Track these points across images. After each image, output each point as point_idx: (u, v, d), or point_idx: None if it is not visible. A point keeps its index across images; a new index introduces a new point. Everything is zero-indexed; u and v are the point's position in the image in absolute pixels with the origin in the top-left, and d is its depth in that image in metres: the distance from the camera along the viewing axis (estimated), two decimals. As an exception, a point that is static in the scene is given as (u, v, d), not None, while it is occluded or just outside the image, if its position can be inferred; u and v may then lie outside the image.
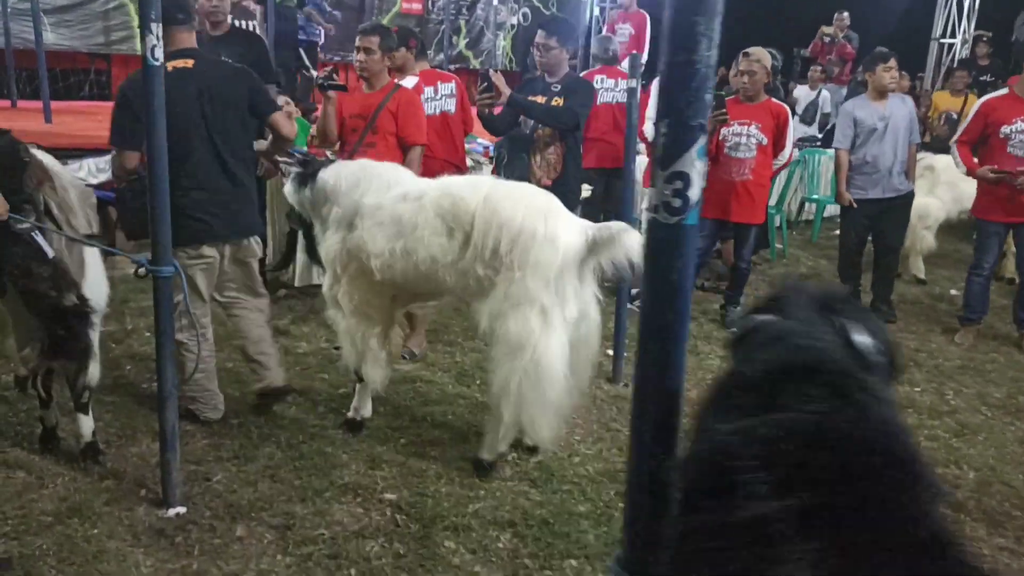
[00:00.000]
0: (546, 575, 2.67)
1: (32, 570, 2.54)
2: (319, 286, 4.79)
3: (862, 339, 0.91)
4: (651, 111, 5.26)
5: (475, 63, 13.28)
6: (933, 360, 4.83)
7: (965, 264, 7.27)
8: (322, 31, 9.57)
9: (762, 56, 5.04)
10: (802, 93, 10.00)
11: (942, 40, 12.22)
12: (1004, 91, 5.09)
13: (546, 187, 4.29)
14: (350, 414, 3.60)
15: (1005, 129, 4.83)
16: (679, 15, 0.88)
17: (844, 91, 10.64)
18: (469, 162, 5.40)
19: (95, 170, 5.33)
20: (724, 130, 5.00)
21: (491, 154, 5.90)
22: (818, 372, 0.80)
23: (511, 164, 4.48)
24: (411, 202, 3.23)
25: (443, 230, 3.13)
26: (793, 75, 11.81)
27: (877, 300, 5.56)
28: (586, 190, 5.33)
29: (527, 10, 13.82)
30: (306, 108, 6.90)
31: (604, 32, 10.15)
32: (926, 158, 6.57)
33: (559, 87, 4.40)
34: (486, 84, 4.18)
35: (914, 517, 0.72)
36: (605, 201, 6.16)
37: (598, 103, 5.48)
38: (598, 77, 5.77)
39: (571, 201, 4.47)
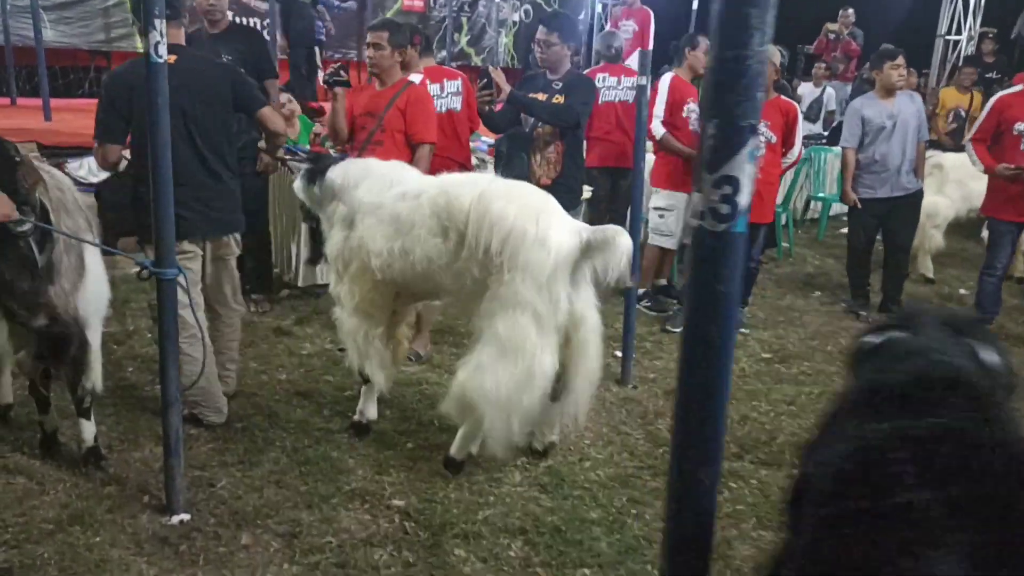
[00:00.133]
0: (559, 584, 2.61)
1: (33, 580, 2.49)
2: (324, 286, 4.75)
3: (990, 358, 1.00)
4: (658, 108, 5.20)
5: (477, 60, 13.21)
6: (945, 361, 4.77)
7: (973, 263, 7.23)
8: (325, 30, 9.52)
9: (770, 53, 4.97)
10: (806, 90, 9.93)
11: (947, 37, 12.14)
12: (1018, 88, 5.03)
13: (545, 186, 4.23)
14: (356, 417, 3.54)
15: (1019, 126, 4.78)
16: (729, 7, 0.82)
17: (849, 88, 10.58)
18: (474, 160, 5.33)
19: (95, 168, 5.25)
20: (733, 128, 4.94)
21: (494, 152, 5.84)
22: (958, 384, 0.88)
23: (510, 163, 4.42)
24: (409, 200, 3.19)
25: (438, 230, 3.08)
26: (797, 72, 11.75)
27: (887, 300, 5.50)
28: (587, 191, 5.27)
29: (529, 7, 13.74)
30: (314, 107, 6.84)
31: (608, 29, 10.07)
32: (934, 156, 6.51)
33: (560, 84, 4.32)
34: (486, 81, 4.11)
35: None
36: (611, 201, 6.12)
37: (600, 102, 5.42)
38: (600, 75, 5.70)
39: (571, 201, 4.40)
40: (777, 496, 3.15)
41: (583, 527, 2.89)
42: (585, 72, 5.66)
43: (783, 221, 7.19)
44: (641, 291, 4.54)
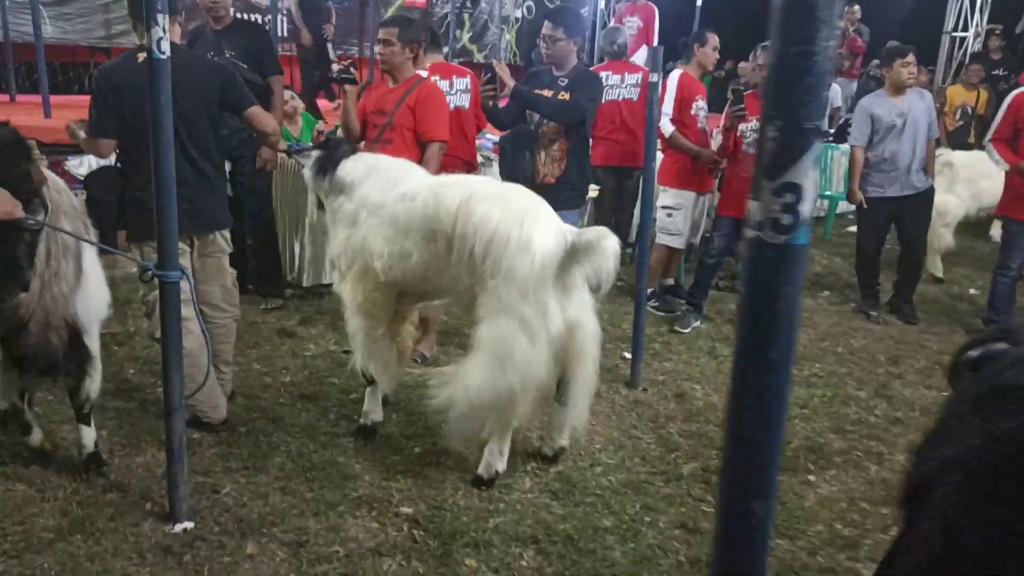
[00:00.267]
0: (573, 595, 2.55)
1: (33, 591, 2.42)
2: (328, 285, 4.67)
3: None
4: (667, 106, 5.13)
5: (479, 57, 13.12)
6: (958, 363, 4.70)
7: (981, 262, 7.16)
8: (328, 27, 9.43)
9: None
10: (812, 87, 9.85)
11: (954, 34, 12.05)
12: (1035, 84, 4.97)
13: (549, 185, 4.16)
14: (361, 421, 3.48)
15: (1037, 123, 4.71)
16: (793, -3, 0.75)
17: (854, 85, 10.51)
18: (479, 158, 5.26)
19: (96, 166, 5.18)
20: (743, 126, 4.87)
21: (499, 150, 5.76)
22: None
23: (513, 161, 4.34)
24: (407, 202, 3.15)
25: (429, 234, 3.05)
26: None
27: (899, 300, 5.44)
28: (594, 190, 5.19)
29: (531, 3, 13.64)
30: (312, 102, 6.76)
31: (612, 25, 9.98)
32: (945, 154, 6.43)
33: (566, 81, 4.23)
34: (490, 75, 4.01)
35: None
36: (617, 200, 6.04)
37: (603, 101, 5.34)
38: (603, 74, 5.61)
39: (576, 200, 4.32)
40: (794, 503, 3.09)
41: (596, 535, 2.82)
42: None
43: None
44: (648, 291, 4.46)
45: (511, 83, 3.99)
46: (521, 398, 2.92)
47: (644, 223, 4.08)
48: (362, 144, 4.01)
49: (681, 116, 5.19)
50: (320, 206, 3.97)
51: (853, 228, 6.55)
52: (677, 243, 5.45)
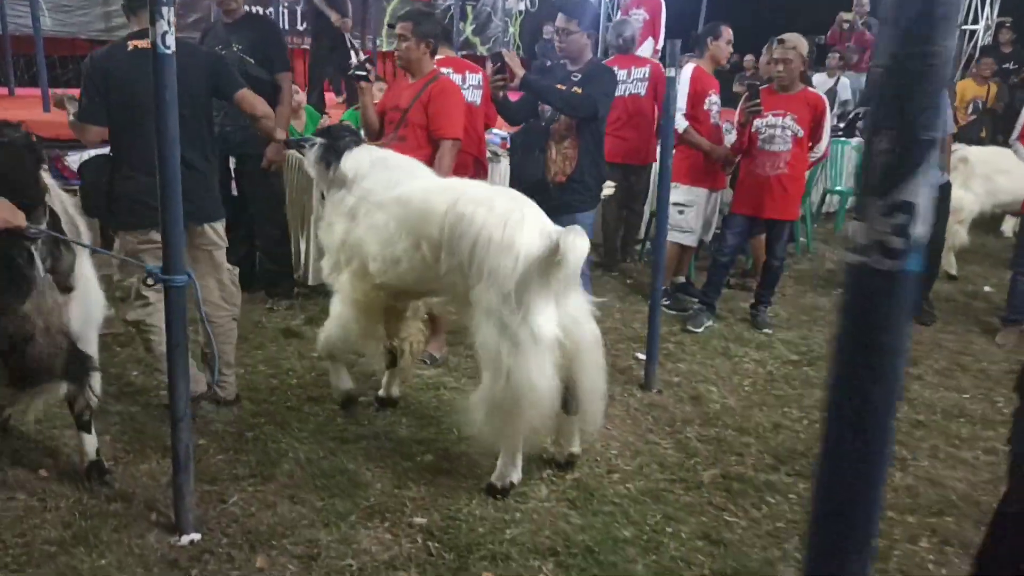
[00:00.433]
0: (594, 611, 2.46)
1: (35, 608, 2.33)
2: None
3: None
4: (680, 101, 5.00)
5: (482, 50, 13.00)
6: (978, 364, 4.60)
7: (994, 259, 7.06)
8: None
9: (798, 43, 4.79)
10: (820, 81, 9.73)
11: (964, 27, 11.92)
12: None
13: (561, 184, 4.05)
14: (335, 395, 3.58)
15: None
16: (911, -8, 0.65)
17: (863, 79, 10.38)
18: (487, 154, 5.15)
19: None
20: (757, 122, 4.76)
21: (508, 145, 5.64)
22: None
23: (523, 159, 4.23)
24: (400, 207, 3.10)
25: (415, 242, 3.01)
26: (810, 62, 11.53)
27: (915, 298, 5.33)
28: (609, 187, 5.07)
29: (535, -5, 13.53)
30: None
31: (619, 17, 9.86)
32: (960, 150, 6.32)
33: (580, 76, 4.08)
34: (499, 65, 3.88)
35: None
36: (625, 198, 5.93)
37: (613, 95, 5.22)
38: None
39: (589, 200, 4.19)
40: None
41: (617, 547, 2.72)
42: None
43: (800, 215, 7.00)
44: (663, 287, 4.35)
45: (520, 72, 3.86)
46: (521, 407, 2.79)
47: (660, 220, 3.97)
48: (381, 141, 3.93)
49: (694, 111, 5.08)
50: (323, 196, 3.89)
51: (866, 225, 6.45)
52: (689, 240, 5.35)
